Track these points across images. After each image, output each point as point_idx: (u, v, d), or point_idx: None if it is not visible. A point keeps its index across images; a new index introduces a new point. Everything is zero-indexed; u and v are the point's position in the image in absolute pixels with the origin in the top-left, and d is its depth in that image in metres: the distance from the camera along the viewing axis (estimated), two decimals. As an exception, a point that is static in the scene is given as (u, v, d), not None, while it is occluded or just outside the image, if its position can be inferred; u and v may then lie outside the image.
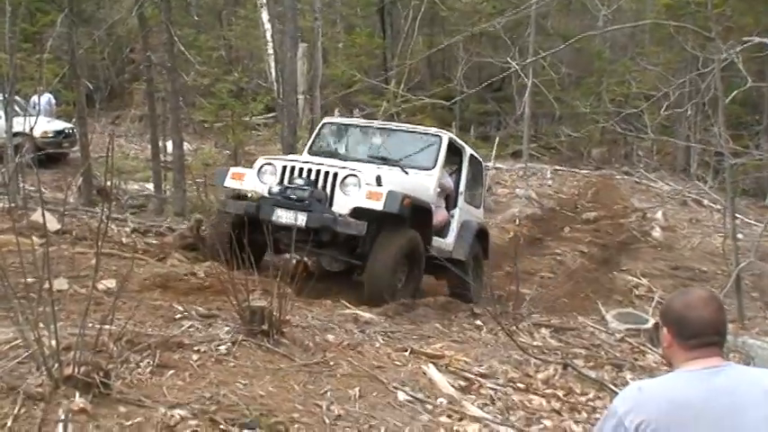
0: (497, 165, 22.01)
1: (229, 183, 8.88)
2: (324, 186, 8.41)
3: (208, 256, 8.25)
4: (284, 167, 8.64)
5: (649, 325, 8.66)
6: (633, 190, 21.94)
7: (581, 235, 16.37)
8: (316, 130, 10.77)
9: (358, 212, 8.23)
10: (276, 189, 8.42)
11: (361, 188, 8.25)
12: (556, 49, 15.62)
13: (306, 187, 8.34)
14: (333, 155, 9.88)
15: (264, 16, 21.53)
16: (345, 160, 9.39)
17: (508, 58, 14.66)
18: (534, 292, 10.57)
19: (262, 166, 8.78)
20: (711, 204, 18.68)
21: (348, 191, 8.33)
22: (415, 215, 8.57)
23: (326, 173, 8.46)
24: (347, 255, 8.73)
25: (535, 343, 7.58)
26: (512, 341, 7.08)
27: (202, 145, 20.80)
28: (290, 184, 8.47)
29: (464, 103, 24.74)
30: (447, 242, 9.87)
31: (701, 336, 2.35)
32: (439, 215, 9.57)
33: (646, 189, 22.12)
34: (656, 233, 16.67)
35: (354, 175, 8.37)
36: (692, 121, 22.41)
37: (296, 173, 8.55)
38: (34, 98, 17.24)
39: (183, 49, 14.00)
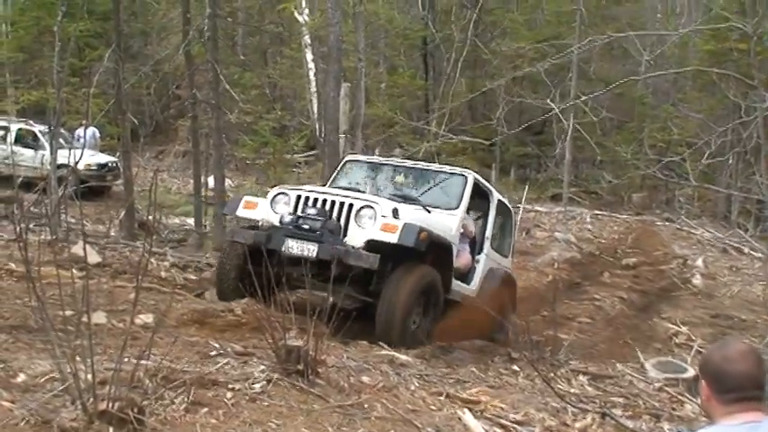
0: (537, 208, 21.90)
1: (242, 212, 8.66)
2: (338, 217, 8.11)
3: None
4: (298, 197, 8.37)
5: (688, 374, 8.50)
6: (674, 236, 21.65)
7: (620, 281, 16.14)
8: (338, 166, 10.49)
9: (372, 245, 7.87)
10: (288, 219, 8.16)
11: (376, 220, 7.92)
12: (597, 92, 15.56)
13: (319, 218, 8.05)
14: (353, 191, 9.33)
15: (308, 56, 21.83)
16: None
17: (548, 100, 14.62)
18: (572, 337, 10.42)
19: (275, 196, 8.53)
20: (752, 252, 18.36)
21: (363, 223, 8.01)
22: (434, 253, 8.24)
23: (341, 203, 8.18)
24: (360, 291, 8.24)
25: (573, 390, 7.46)
26: (549, 388, 6.97)
27: (244, 181, 21.00)
28: (302, 213, 8.18)
29: (504, 146, 24.75)
30: (471, 288, 9.41)
31: (739, 390, 2.31)
32: (462, 258, 9.22)
33: (686, 236, 21.82)
34: (697, 280, 16.40)
35: (370, 207, 8.06)
36: (733, 169, 22.15)
37: (309, 203, 8.29)
38: (79, 131, 17.61)
39: (227, 87, 14.20)
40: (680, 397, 7.82)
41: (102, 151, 18.95)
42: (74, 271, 6.77)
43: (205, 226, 13.68)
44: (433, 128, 21.15)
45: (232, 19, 20.57)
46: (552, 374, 7.66)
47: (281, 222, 8.18)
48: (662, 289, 15.78)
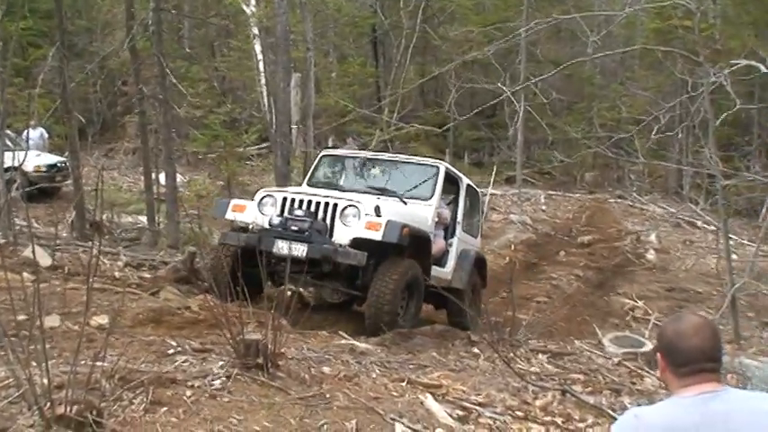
0: (492, 191, 22.03)
1: (230, 215, 8.96)
2: (324, 217, 8.50)
3: (207, 289, 8.23)
4: (284, 199, 8.75)
5: (646, 348, 8.63)
6: (626, 213, 21.99)
7: (576, 259, 16.36)
8: (314, 162, 10.88)
9: (358, 243, 8.30)
10: (276, 221, 8.51)
11: (360, 219, 8.35)
12: (546, 75, 15.67)
13: (306, 218, 8.43)
14: (331, 186, 9.94)
15: (257, 47, 21.62)
16: (344, 191, 9.46)
17: (499, 84, 14.72)
18: (531, 317, 10.54)
19: (262, 198, 8.88)
20: (705, 225, 18.71)
21: (348, 221, 8.42)
22: (414, 245, 8.64)
23: (326, 204, 8.57)
24: (347, 286, 8.81)
25: (533, 369, 7.54)
26: (509, 368, 7.04)
27: (196, 176, 20.77)
28: (290, 215, 8.55)
29: (457, 130, 24.84)
30: (445, 271, 9.93)
31: (693, 363, 2.34)
32: (437, 245, 9.64)
33: (639, 212, 22.17)
34: (651, 255, 16.66)
35: (354, 206, 8.47)
36: (683, 144, 22.50)
37: (296, 204, 8.66)
38: (27, 132, 17.26)
39: (174, 81, 14.01)
40: (639, 371, 7.94)
41: (50, 152, 18.60)
42: (25, 274, 6.67)
43: (158, 223, 13.51)
44: (385, 117, 21.14)
45: (177, 12, 20.28)
46: (512, 355, 7.73)
47: (269, 224, 8.52)
48: (617, 265, 16.02)
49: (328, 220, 8.49)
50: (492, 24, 24.56)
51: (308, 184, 10.19)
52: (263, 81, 20.47)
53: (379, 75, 28.60)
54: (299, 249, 8.17)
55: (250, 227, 8.67)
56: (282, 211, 8.67)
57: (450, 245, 10.19)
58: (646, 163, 19.71)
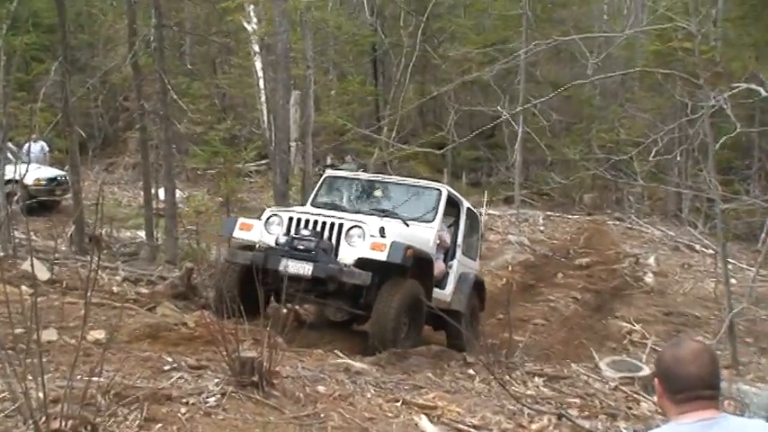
0: (490, 211, 22.05)
1: (237, 233, 9.13)
2: (329, 237, 8.67)
3: (204, 305, 8.27)
4: (290, 219, 8.93)
5: (643, 373, 8.62)
6: (625, 235, 21.97)
7: (574, 281, 16.33)
8: (318, 183, 11.07)
9: (362, 263, 8.46)
10: (283, 240, 8.66)
11: (365, 239, 8.52)
12: (545, 97, 15.74)
13: (312, 238, 8.59)
14: (335, 207, 10.11)
15: (257, 64, 21.70)
16: (348, 212, 9.65)
17: (498, 107, 14.80)
18: (527, 339, 10.52)
19: (269, 218, 9.06)
20: (703, 249, 18.69)
21: (353, 242, 8.59)
22: (416, 266, 8.78)
23: (332, 224, 8.74)
24: (351, 304, 8.96)
25: (528, 392, 7.52)
26: (505, 391, 7.02)
27: (195, 192, 20.80)
28: (296, 234, 8.71)
29: (456, 150, 24.87)
30: (445, 293, 10.04)
31: (690, 390, 2.33)
32: (438, 267, 9.75)
33: (637, 234, 22.15)
34: (649, 279, 16.65)
35: (359, 227, 8.64)
36: (682, 167, 22.54)
37: (302, 224, 8.84)
38: (27, 145, 17.28)
39: (175, 97, 14.06)
40: (635, 395, 7.93)
41: (51, 165, 18.63)
42: (23, 288, 6.68)
43: (157, 238, 13.52)
44: (383, 137, 21.20)
45: (179, 28, 20.39)
46: (508, 377, 7.72)
47: (276, 243, 8.68)
48: (615, 288, 15.99)
49: (334, 240, 8.66)
50: (492, 45, 24.68)
51: (312, 205, 10.35)
52: (263, 98, 20.54)
53: (379, 93, 28.68)
54: (305, 268, 8.34)
55: (256, 245, 8.81)
56: (289, 230, 8.83)
57: (450, 267, 10.30)
58: (645, 185, 19.75)
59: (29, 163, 13.01)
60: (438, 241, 9.89)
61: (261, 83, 20.96)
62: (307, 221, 8.86)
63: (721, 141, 10.60)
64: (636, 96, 27.61)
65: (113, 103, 25.32)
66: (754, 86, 10.14)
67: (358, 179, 11.26)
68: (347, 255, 8.56)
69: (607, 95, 29.94)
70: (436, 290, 9.66)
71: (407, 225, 9.60)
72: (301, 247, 8.55)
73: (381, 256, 8.36)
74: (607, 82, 27.82)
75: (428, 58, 27.18)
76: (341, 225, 8.73)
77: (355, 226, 8.68)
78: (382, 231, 8.62)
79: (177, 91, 15.37)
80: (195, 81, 23.31)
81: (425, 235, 9.61)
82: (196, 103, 19.47)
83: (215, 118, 21.19)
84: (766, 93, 9.60)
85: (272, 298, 8.63)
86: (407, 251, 8.41)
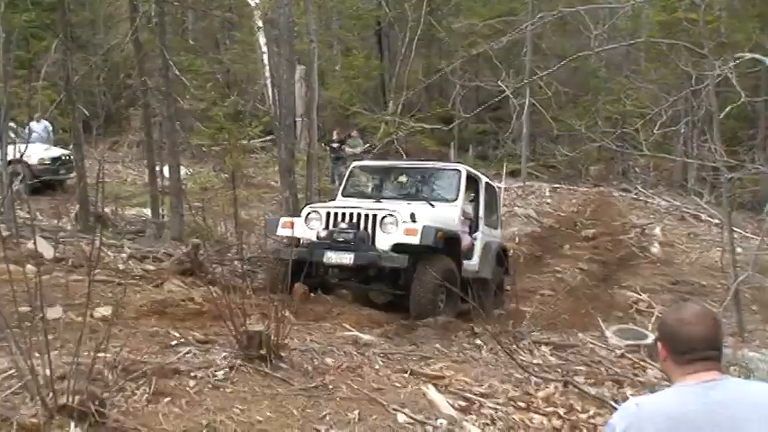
0: (497, 184, 21.99)
1: (281, 231, 9.81)
2: (365, 227, 9.36)
3: (210, 281, 8.38)
4: (328, 214, 9.62)
5: (649, 340, 8.62)
6: (631, 206, 21.94)
7: (580, 252, 16.34)
8: (346, 174, 11.80)
9: (398, 248, 9.13)
10: (323, 234, 9.37)
11: (398, 226, 9.19)
12: (551, 69, 15.63)
13: (350, 230, 9.29)
14: (365, 195, 11.01)
15: (261, 39, 21.60)
16: (377, 199, 10.55)
17: (499, 82, 14.69)
18: (534, 309, 10.55)
19: (308, 214, 9.75)
20: (709, 219, 18.66)
21: (388, 229, 9.26)
22: (446, 244, 9.41)
23: (367, 215, 9.43)
24: (391, 286, 9.67)
25: (535, 361, 7.54)
26: (512, 360, 7.04)
27: (200, 169, 20.79)
28: (335, 228, 9.40)
29: (462, 124, 24.80)
30: (473, 264, 10.67)
31: (694, 351, 2.33)
32: (464, 241, 10.34)
33: (644, 205, 22.13)
34: (655, 249, 16.64)
35: (392, 215, 9.31)
36: (687, 137, 22.44)
37: (339, 218, 9.52)
38: (31, 124, 17.26)
39: (178, 73, 14.01)
40: (641, 363, 7.94)
41: (54, 144, 18.62)
42: (28, 266, 6.68)
43: (162, 216, 13.52)
44: (390, 112, 21.11)
45: (180, 4, 20.23)
46: (515, 346, 7.73)
47: (317, 237, 9.40)
48: (621, 258, 16.01)
49: (370, 230, 9.33)
50: (497, 17, 24.50)
51: (343, 195, 11.06)
52: (267, 74, 20.45)
53: (384, 67, 28.56)
54: (347, 258, 9.07)
55: (300, 241, 9.43)
56: (327, 224, 9.50)
57: (475, 239, 10.92)
58: (650, 156, 19.67)
59: (27, 142, 12.95)
60: (462, 217, 10.50)
61: (265, 58, 20.86)
62: (344, 215, 9.52)
63: (726, 111, 10.52)
64: (641, 68, 27.44)
65: (116, 81, 25.24)
66: (758, 56, 10.06)
67: (383, 167, 11.93)
68: (383, 242, 9.23)
69: (612, 67, 29.77)
70: (465, 261, 10.25)
71: (433, 206, 10.23)
72: (341, 239, 9.23)
73: (414, 240, 8.97)
74: (612, 53, 27.65)
75: (433, 32, 27.04)
76: (375, 215, 9.38)
77: (388, 215, 9.32)
78: (413, 217, 9.29)
79: (180, 67, 15.33)
80: (198, 57, 23.21)
81: (450, 214, 10.26)
82: (199, 80, 19.44)
83: (218, 94, 21.13)
84: (771, 62, 9.51)
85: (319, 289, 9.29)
86: (438, 234, 9.06)
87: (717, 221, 16.81)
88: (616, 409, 5.84)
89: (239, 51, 25.88)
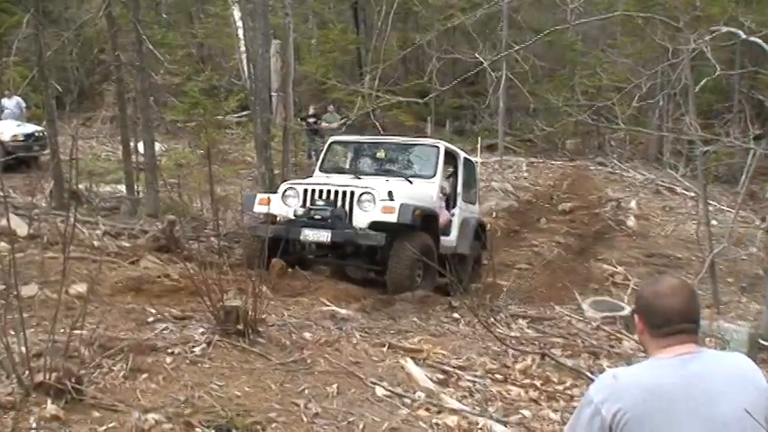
0: (473, 158, 22.01)
1: (258, 208, 9.69)
2: (342, 204, 9.33)
3: (186, 257, 8.33)
4: (305, 190, 9.57)
5: (625, 312, 8.71)
6: (607, 180, 22.05)
7: (557, 226, 16.42)
8: (324, 149, 11.67)
9: (375, 225, 9.11)
10: (300, 211, 9.34)
11: (376, 204, 9.16)
12: (527, 42, 15.58)
13: (327, 207, 9.28)
14: (343, 171, 10.95)
15: (236, 13, 21.38)
16: (355, 175, 10.38)
17: (477, 54, 14.68)
18: (511, 283, 10.63)
19: (285, 191, 9.69)
20: (684, 192, 18.78)
21: (365, 207, 9.23)
22: (424, 221, 9.39)
23: (344, 192, 9.40)
24: (368, 262, 9.66)
25: (512, 334, 7.60)
26: (489, 333, 7.08)
27: (176, 145, 20.59)
28: (312, 205, 9.38)
29: (439, 98, 24.75)
30: (451, 239, 10.65)
31: (670, 324, 2.33)
32: (442, 217, 10.34)
33: (619, 179, 22.23)
34: (631, 222, 16.76)
35: (369, 193, 9.28)
36: (663, 111, 22.52)
37: (317, 195, 9.48)
38: (3, 101, 17.03)
39: (151, 47, 13.84)
40: (617, 334, 8.03)
41: (28, 121, 18.38)
42: (2, 244, 6.61)
43: (138, 192, 13.41)
44: (366, 85, 21.01)
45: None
46: (492, 320, 7.80)
47: (294, 214, 9.35)
48: (597, 232, 16.11)
49: (347, 207, 9.29)
50: (474, -10, 24.36)
51: (321, 170, 10.95)
52: (242, 48, 20.27)
53: (361, 41, 28.37)
54: (324, 235, 9.07)
55: (277, 218, 9.30)
56: (305, 201, 9.45)
57: (453, 215, 10.90)
58: (626, 130, 19.75)
59: (4, 119, 12.79)
60: (440, 194, 10.51)
61: (240, 32, 20.66)
62: (321, 192, 9.47)
63: (701, 84, 10.59)
64: (617, 42, 27.45)
65: (89, 56, 24.91)
66: (733, 29, 10.08)
67: (361, 142, 11.80)
68: (361, 219, 9.21)
69: (588, 41, 29.75)
70: (442, 237, 10.25)
71: (411, 183, 10.23)
72: (318, 217, 9.22)
73: (392, 218, 8.96)
74: (588, 27, 27.62)
75: (410, 5, 26.85)
76: (352, 192, 9.35)
77: (366, 192, 9.29)
78: (390, 195, 9.23)
79: (153, 42, 15.13)
80: (171, 31, 22.93)
81: (428, 191, 10.22)
82: (173, 54, 19.21)
83: (193, 69, 20.91)
84: (746, 36, 9.54)
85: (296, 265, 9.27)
86: (415, 212, 9.03)
87: (692, 194, 16.91)
88: (592, 380, 5.90)
89: (213, 25, 25.59)
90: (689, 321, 2.36)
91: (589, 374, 6.23)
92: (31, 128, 17.32)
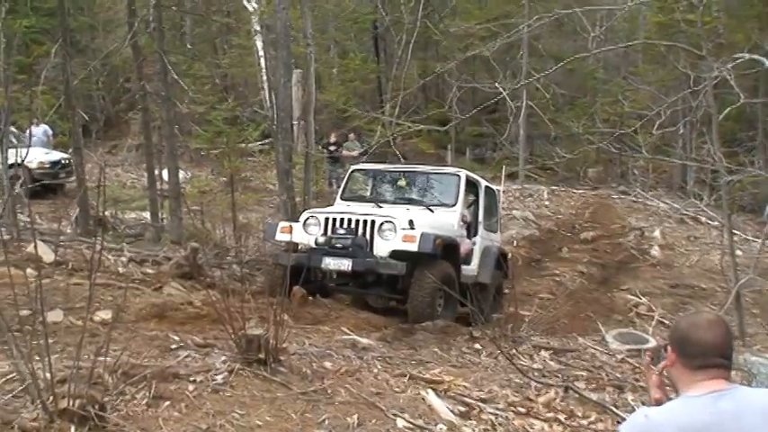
0: (494, 187, 21.98)
1: (279, 236, 9.67)
2: (363, 233, 9.33)
3: (209, 284, 8.37)
4: (326, 219, 9.58)
5: (650, 345, 8.61)
6: (630, 209, 21.93)
7: (579, 255, 16.34)
8: (345, 177, 11.78)
9: (396, 254, 9.11)
10: (322, 239, 9.35)
11: (396, 233, 9.17)
12: (548, 71, 15.62)
13: (348, 236, 9.29)
14: (364, 199, 10.98)
15: (258, 44, 21.60)
16: (376, 203, 10.49)
17: (497, 84, 14.71)
18: (534, 313, 10.55)
19: (306, 219, 9.70)
20: (709, 221, 18.65)
21: (386, 236, 9.24)
22: (445, 250, 9.36)
23: (365, 221, 9.40)
24: (389, 291, 9.65)
25: (535, 366, 7.53)
26: (511, 364, 7.03)
27: (199, 172, 20.78)
28: (333, 234, 9.39)
29: (459, 126, 24.81)
30: (472, 268, 10.64)
31: (704, 357, 2.31)
32: (463, 246, 10.30)
33: (643, 207, 22.11)
34: (655, 251, 16.63)
35: (390, 221, 9.28)
36: (686, 140, 22.43)
37: (338, 223, 9.49)
38: (31, 129, 17.23)
39: (176, 77, 14.00)
40: (642, 367, 7.91)
41: (54, 148, 18.61)
42: (28, 270, 6.67)
43: (162, 219, 13.52)
44: (387, 114, 21.09)
45: (178, 8, 20.25)
46: (514, 351, 7.72)
47: (316, 243, 9.36)
48: (620, 261, 16.00)
49: (368, 236, 9.30)
50: (493, 19, 24.51)
51: (342, 198, 10.97)
52: (264, 77, 20.45)
53: (381, 70, 28.54)
54: (345, 264, 9.08)
55: (299, 247, 9.32)
56: (326, 230, 9.47)
57: (474, 244, 10.86)
58: (649, 158, 19.67)
59: (28, 146, 12.94)
60: (461, 222, 10.49)
61: (262, 62, 20.86)
62: (342, 220, 9.48)
63: (725, 113, 10.50)
64: (639, 69, 27.43)
65: (115, 85, 25.22)
66: (757, 57, 10.05)
67: (382, 171, 11.79)
68: (382, 248, 9.21)
69: (610, 69, 29.78)
70: (464, 266, 10.23)
71: (432, 211, 10.24)
72: (339, 246, 9.23)
73: (413, 247, 8.96)
74: (610, 55, 27.68)
75: (429, 34, 27.01)
76: (373, 221, 9.35)
77: (387, 221, 9.29)
78: (411, 224, 9.22)
79: (178, 71, 15.31)
80: (196, 61, 23.20)
81: (449, 219, 10.24)
82: (197, 84, 19.41)
83: (216, 98, 21.12)
84: (769, 63, 9.51)
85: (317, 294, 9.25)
86: (436, 241, 9.02)
87: (716, 224, 16.80)
88: (617, 414, 5.86)
89: (237, 55, 25.86)
90: (722, 357, 2.33)
91: (614, 409, 6.17)
92: (57, 155, 17.53)
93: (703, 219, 19.22)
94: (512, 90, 15.73)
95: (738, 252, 12.53)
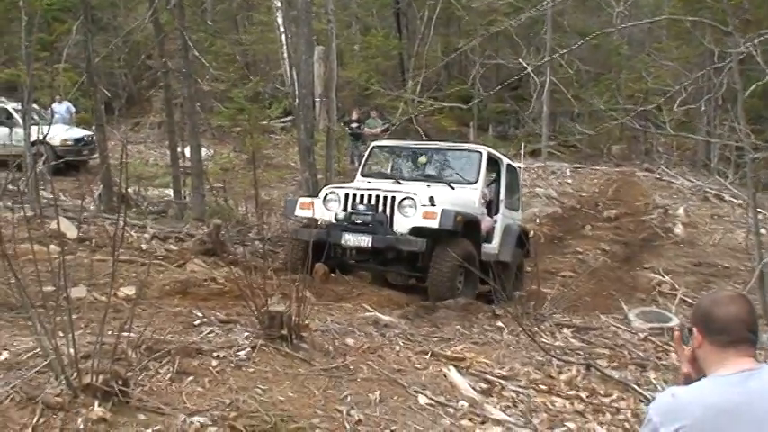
0: (517, 164, 21.90)
1: (299, 212, 9.67)
2: (384, 210, 9.26)
3: (232, 261, 8.40)
4: (347, 195, 9.51)
5: (673, 323, 8.57)
6: (654, 186, 21.73)
7: (602, 233, 16.24)
8: (366, 154, 11.64)
9: (416, 231, 9.05)
10: (342, 215, 9.32)
11: (417, 209, 9.08)
12: (572, 47, 15.46)
13: (368, 212, 9.25)
14: (384, 176, 10.84)
15: (279, 20, 21.54)
16: (397, 180, 10.39)
17: (520, 59, 14.55)
18: (556, 291, 10.52)
19: (326, 195, 9.65)
20: (733, 199, 18.46)
21: (406, 212, 9.16)
22: (465, 226, 9.30)
23: (385, 197, 9.32)
24: (409, 268, 9.60)
25: (557, 343, 7.52)
26: (533, 342, 7.02)
27: (221, 150, 20.83)
28: (353, 210, 9.34)
29: (482, 103, 24.65)
30: (493, 246, 10.57)
31: (731, 332, 2.27)
32: (485, 223, 10.28)
33: (667, 185, 21.90)
34: (678, 230, 16.51)
35: (411, 198, 9.19)
36: (711, 116, 22.18)
37: (358, 199, 9.43)
38: (54, 106, 17.35)
39: (198, 54, 14.00)
40: (665, 346, 7.88)
41: (77, 125, 18.72)
42: (52, 246, 6.73)
43: (184, 196, 13.57)
44: (409, 91, 21.00)
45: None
46: (536, 329, 7.71)
47: (336, 219, 9.33)
48: (644, 239, 15.89)
49: (388, 212, 9.21)
50: (517, -6, 24.22)
51: (362, 175, 10.85)
52: (285, 54, 20.41)
53: (403, 47, 28.39)
54: (365, 240, 9.04)
55: (318, 222, 9.25)
56: (346, 206, 9.40)
57: (495, 222, 10.79)
58: (673, 135, 19.47)
59: (50, 124, 13.03)
60: (482, 200, 10.40)
61: (283, 39, 20.81)
62: (362, 196, 9.42)
63: (751, 89, 10.36)
64: (664, 45, 27.11)
65: (136, 62, 25.26)
66: (783, 33, 9.87)
67: (402, 147, 11.71)
68: (402, 224, 9.12)
69: (634, 44, 29.42)
70: (484, 244, 10.19)
71: (453, 188, 10.10)
72: (359, 222, 9.20)
73: (433, 223, 8.88)
74: (634, 31, 27.33)
75: (452, 10, 26.77)
76: (393, 198, 9.25)
77: (407, 197, 9.18)
78: (432, 200, 9.12)
79: (199, 49, 15.31)
80: (217, 38, 23.19)
81: (470, 196, 10.12)
82: (219, 61, 19.42)
83: (238, 75, 21.12)
84: (796, 39, 9.34)
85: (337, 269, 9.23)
86: (457, 218, 8.94)
87: (741, 202, 16.62)
88: (640, 393, 5.82)
89: (258, 32, 25.81)
90: (749, 330, 2.30)
91: (636, 387, 6.15)
92: (80, 132, 17.66)
93: (727, 197, 19.02)
94: (536, 66, 15.60)
95: (763, 231, 12.41)
